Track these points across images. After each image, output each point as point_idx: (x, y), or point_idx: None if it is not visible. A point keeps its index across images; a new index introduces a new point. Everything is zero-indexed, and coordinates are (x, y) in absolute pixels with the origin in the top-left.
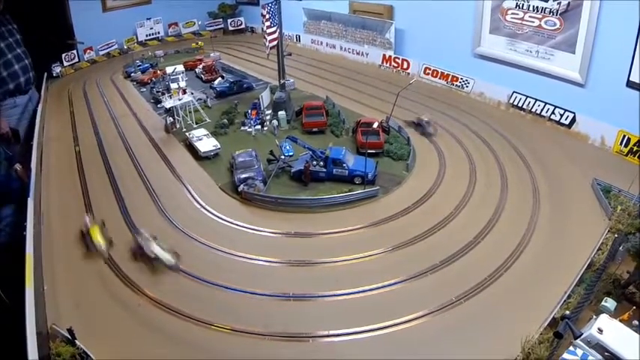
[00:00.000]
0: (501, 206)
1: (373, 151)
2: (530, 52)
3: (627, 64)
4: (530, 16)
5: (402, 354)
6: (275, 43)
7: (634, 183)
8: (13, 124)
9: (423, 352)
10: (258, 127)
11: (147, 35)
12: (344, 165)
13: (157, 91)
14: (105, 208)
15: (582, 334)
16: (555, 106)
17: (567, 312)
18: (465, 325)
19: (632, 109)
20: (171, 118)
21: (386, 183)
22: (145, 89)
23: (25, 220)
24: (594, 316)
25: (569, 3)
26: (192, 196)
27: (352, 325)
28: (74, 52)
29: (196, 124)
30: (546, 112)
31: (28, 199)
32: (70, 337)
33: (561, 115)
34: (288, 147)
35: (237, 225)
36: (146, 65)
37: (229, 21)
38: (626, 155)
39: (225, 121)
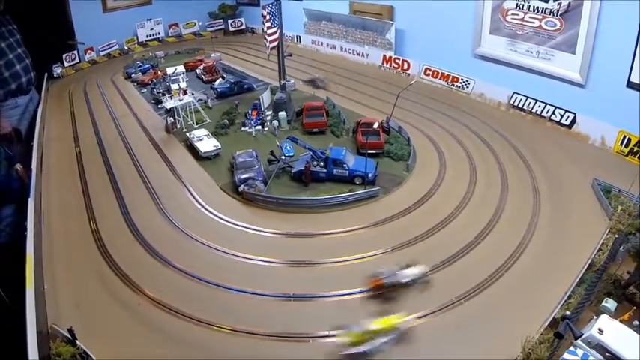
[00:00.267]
0: (502, 207)
1: (373, 152)
2: (531, 52)
3: (627, 64)
4: (530, 17)
5: (402, 354)
6: (275, 43)
7: (634, 183)
8: (14, 124)
9: (424, 353)
10: (259, 127)
11: (147, 36)
12: (344, 165)
13: (158, 92)
14: (105, 208)
15: (583, 334)
16: (556, 107)
17: (568, 312)
18: (466, 325)
19: (633, 109)
20: (171, 118)
21: (386, 183)
22: (145, 90)
23: (25, 220)
24: (595, 317)
25: (569, 4)
26: (193, 196)
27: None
28: (75, 52)
29: (197, 124)
30: (547, 112)
31: (29, 199)
32: (70, 336)
33: (561, 116)
34: (288, 147)
35: (237, 225)
36: (147, 66)
37: (230, 22)
38: (627, 156)
39: (226, 121)
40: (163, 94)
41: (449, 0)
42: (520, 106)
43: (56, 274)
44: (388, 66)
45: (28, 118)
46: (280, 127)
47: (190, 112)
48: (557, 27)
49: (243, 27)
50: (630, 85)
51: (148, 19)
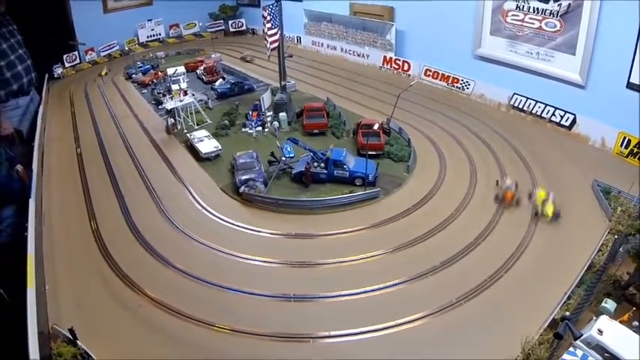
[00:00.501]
0: (502, 207)
1: (374, 153)
2: (531, 53)
3: (627, 65)
4: (530, 18)
5: (402, 354)
6: (276, 44)
7: (634, 184)
8: (15, 125)
9: (424, 353)
10: (259, 128)
11: (148, 36)
12: (345, 166)
13: (158, 93)
14: (106, 208)
15: (582, 335)
16: (556, 108)
17: (567, 313)
18: (466, 325)
19: (633, 110)
20: (172, 119)
21: (387, 184)
22: (146, 90)
23: (26, 221)
24: (594, 317)
25: (569, 4)
26: (193, 197)
27: (353, 326)
28: (75, 53)
29: (197, 125)
30: (547, 113)
31: (30, 199)
32: (71, 337)
33: (562, 117)
34: (289, 148)
35: (238, 226)
36: (147, 66)
37: (230, 22)
38: (627, 157)
39: (226, 122)
40: (164, 95)
41: (449, 1)
42: (520, 107)
43: (57, 274)
44: (388, 67)
45: (28, 119)
46: (281, 128)
47: (191, 113)
48: (558, 28)
49: (244, 28)
50: (630, 86)
51: (148, 20)
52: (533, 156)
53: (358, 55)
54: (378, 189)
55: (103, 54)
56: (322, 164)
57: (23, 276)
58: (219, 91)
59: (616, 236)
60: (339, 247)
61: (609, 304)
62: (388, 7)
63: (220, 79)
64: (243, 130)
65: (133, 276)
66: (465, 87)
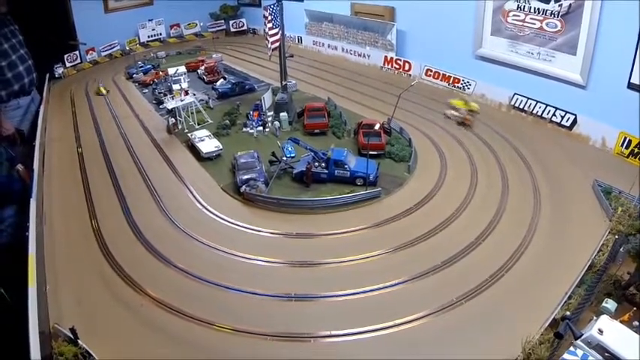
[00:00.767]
0: (502, 207)
1: (375, 153)
2: (532, 53)
3: (628, 65)
4: (531, 18)
5: (403, 354)
6: (277, 44)
7: (635, 184)
8: (16, 125)
9: (424, 353)
10: (260, 128)
11: (149, 36)
12: (346, 166)
13: (159, 92)
14: (107, 208)
15: (583, 334)
16: (556, 108)
17: (568, 313)
18: (466, 325)
19: (633, 110)
20: (173, 119)
21: (387, 184)
22: (147, 90)
23: (27, 221)
24: (595, 317)
25: (570, 5)
26: (194, 196)
27: (354, 326)
28: (76, 53)
29: (198, 125)
30: (547, 113)
31: (31, 199)
32: (72, 336)
33: (562, 117)
34: (289, 148)
35: (238, 226)
36: (148, 66)
37: (231, 22)
38: (627, 157)
39: (227, 122)
40: (165, 95)
41: (450, 1)
42: (521, 107)
43: (58, 274)
44: (389, 67)
45: (29, 119)
46: (282, 128)
47: (192, 113)
48: (558, 28)
49: (245, 28)
50: (631, 86)
51: (149, 20)
52: (533, 156)
53: (359, 55)
54: (379, 189)
55: (103, 54)
56: (323, 164)
57: (24, 276)
58: (220, 90)
59: (616, 236)
60: (340, 246)
61: (610, 304)
62: (389, 7)
63: (221, 79)
64: (244, 129)
65: (134, 275)
66: (465, 87)
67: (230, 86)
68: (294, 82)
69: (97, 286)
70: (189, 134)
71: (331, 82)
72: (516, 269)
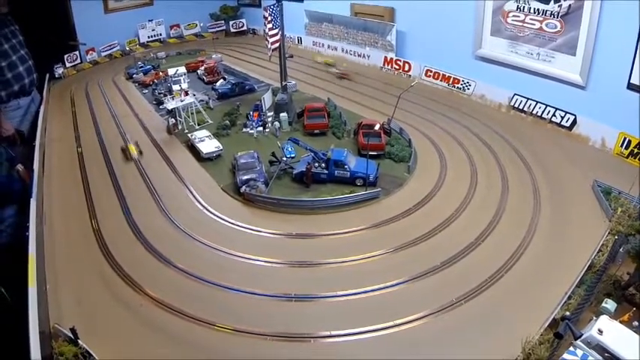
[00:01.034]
0: (502, 208)
1: (375, 153)
2: (531, 54)
3: (628, 66)
4: (531, 19)
5: (403, 354)
6: (277, 45)
7: (634, 185)
8: (16, 125)
9: (424, 353)
10: (260, 128)
11: (149, 37)
12: (345, 167)
13: (159, 93)
14: (107, 208)
15: (582, 334)
16: (556, 109)
17: (567, 313)
18: (466, 325)
19: (633, 111)
20: (173, 119)
21: (387, 185)
22: (147, 91)
23: (27, 221)
24: (594, 317)
25: (570, 5)
26: (194, 197)
27: (354, 326)
28: (76, 53)
29: (198, 125)
30: (547, 114)
31: (31, 199)
32: (72, 336)
33: (562, 118)
34: (289, 148)
35: (238, 226)
36: (148, 67)
37: (231, 23)
38: (627, 157)
39: (227, 122)
40: (165, 95)
41: (450, 1)
42: (521, 107)
43: (58, 274)
44: (389, 67)
45: (29, 119)
46: (282, 129)
47: (192, 113)
48: (558, 29)
49: (245, 28)
50: (630, 86)
51: (149, 20)
52: (533, 156)
53: (359, 56)
54: (379, 189)
55: (103, 54)
56: (323, 164)
57: (24, 275)
58: (220, 91)
59: (616, 237)
60: (340, 247)
61: (609, 304)
62: (389, 7)
63: (221, 80)
64: (244, 130)
65: (134, 275)
66: (465, 87)
67: (230, 87)
68: (294, 82)
69: (97, 286)
70: (189, 135)
71: (331, 83)
72: (516, 269)
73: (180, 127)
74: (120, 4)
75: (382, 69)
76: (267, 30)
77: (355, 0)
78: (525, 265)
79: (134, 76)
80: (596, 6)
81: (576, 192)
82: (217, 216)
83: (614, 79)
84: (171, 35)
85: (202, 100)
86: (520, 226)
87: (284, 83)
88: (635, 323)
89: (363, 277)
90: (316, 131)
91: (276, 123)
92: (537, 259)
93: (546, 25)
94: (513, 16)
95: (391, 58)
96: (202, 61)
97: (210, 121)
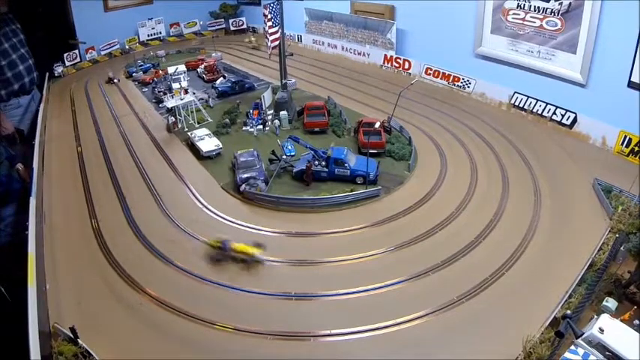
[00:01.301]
0: (502, 206)
1: (375, 151)
2: (532, 52)
3: (628, 64)
4: (531, 17)
5: (403, 353)
6: (277, 43)
7: (635, 183)
8: (16, 124)
9: (425, 352)
10: (260, 127)
11: (148, 35)
12: (346, 165)
13: (159, 91)
14: (107, 207)
15: (583, 333)
16: (557, 107)
17: (568, 311)
18: (467, 324)
19: (633, 109)
20: (173, 117)
21: (388, 183)
22: (146, 89)
23: (27, 220)
24: (595, 316)
25: (570, 3)
26: (194, 195)
27: (354, 325)
28: (76, 51)
29: (198, 123)
30: (548, 112)
31: (30, 198)
32: (72, 335)
33: (562, 116)
34: (289, 147)
35: (238, 224)
36: (148, 65)
37: (231, 21)
38: (627, 155)
39: (227, 120)
40: (165, 94)
41: (450, 0)
42: (521, 105)
43: (58, 273)
44: (389, 65)
45: (29, 118)
46: (281, 127)
47: (191, 112)
48: (558, 27)
49: (244, 26)
50: (631, 85)
51: (149, 19)
52: (533, 155)
53: (359, 54)
54: (379, 187)
55: (103, 52)
56: (323, 163)
57: (24, 275)
58: (219, 89)
59: (617, 235)
60: (340, 245)
61: (610, 303)
62: (389, 5)
63: (221, 78)
64: (244, 128)
65: (133, 274)
66: (465, 86)
67: (230, 85)
68: (293, 80)
69: (97, 285)
70: (189, 133)
71: (331, 81)
72: (517, 268)
73: (179, 126)
74: (120, 3)
75: (382, 67)
76: (267, 28)
77: None
78: (526, 263)
79: (134, 74)
80: (597, 4)
81: (577, 190)
82: (217, 214)
83: (614, 77)
84: (171, 33)
85: (202, 99)
86: (521, 225)
87: (284, 81)
88: (636, 322)
89: (363, 276)
90: (316, 129)
91: (276, 121)
92: (538, 258)
93: (547, 23)
94: (513, 14)
95: (391, 56)
96: (202, 60)
97: (210, 120)
